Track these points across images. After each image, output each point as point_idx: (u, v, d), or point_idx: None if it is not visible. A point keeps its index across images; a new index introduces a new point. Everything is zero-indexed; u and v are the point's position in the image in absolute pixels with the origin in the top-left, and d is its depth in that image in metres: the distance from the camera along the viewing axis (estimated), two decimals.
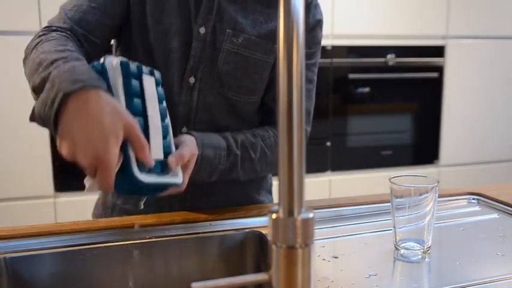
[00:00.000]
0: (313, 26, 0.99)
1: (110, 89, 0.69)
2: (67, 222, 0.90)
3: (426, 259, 0.80)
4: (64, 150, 0.65)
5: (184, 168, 0.82)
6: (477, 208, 1.04)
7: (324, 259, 0.80)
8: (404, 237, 0.81)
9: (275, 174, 0.96)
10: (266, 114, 1.03)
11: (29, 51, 0.81)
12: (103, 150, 0.63)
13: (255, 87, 0.98)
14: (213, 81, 0.95)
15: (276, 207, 0.43)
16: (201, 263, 0.88)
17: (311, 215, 0.42)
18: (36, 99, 0.72)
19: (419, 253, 0.81)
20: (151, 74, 0.79)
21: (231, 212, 0.96)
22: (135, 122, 0.67)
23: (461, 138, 2.63)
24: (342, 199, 1.04)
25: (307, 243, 0.42)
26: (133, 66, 0.74)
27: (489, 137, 2.69)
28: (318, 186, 2.42)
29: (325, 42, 2.29)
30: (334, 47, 2.33)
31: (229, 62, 0.94)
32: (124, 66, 0.72)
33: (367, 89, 2.44)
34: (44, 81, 0.70)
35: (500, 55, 2.62)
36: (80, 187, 2.33)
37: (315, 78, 1.03)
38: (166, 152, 0.77)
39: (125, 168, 0.66)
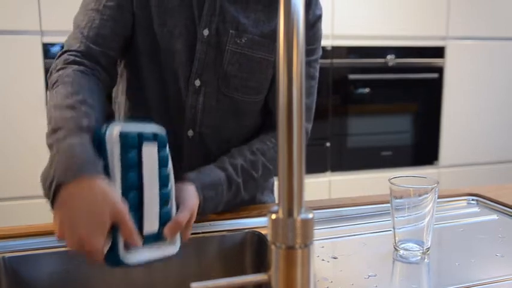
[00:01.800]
0: (314, 22, 1.00)
1: (106, 161, 0.69)
2: None
3: (425, 260, 0.80)
4: (56, 228, 0.68)
5: (185, 227, 0.77)
6: (476, 209, 1.04)
7: (323, 260, 0.80)
8: (404, 238, 0.81)
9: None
10: (267, 118, 1.03)
11: (50, 85, 0.84)
12: (87, 239, 0.65)
13: (260, 87, 0.98)
14: (218, 83, 0.95)
15: (275, 208, 0.43)
16: (201, 263, 0.88)
17: (310, 215, 0.42)
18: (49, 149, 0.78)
19: (419, 254, 0.81)
20: (155, 137, 0.74)
21: (231, 212, 0.96)
22: (124, 208, 0.67)
23: (461, 139, 2.63)
24: (342, 200, 1.04)
25: (306, 243, 0.42)
26: (133, 134, 0.71)
27: (489, 138, 2.69)
28: (318, 186, 2.42)
29: (325, 42, 2.29)
30: (334, 48, 2.33)
31: (233, 63, 0.94)
32: (123, 138, 0.70)
33: (367, 90, 2.44)
34: (50, 148, 0.77)
35: (500, 56, 2.62)
36: None
37: (317, 74, 1.03)
38: (166, 219, 0.75)
39: (112, 249, 0.67)
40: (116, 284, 0.84)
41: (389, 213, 0.83)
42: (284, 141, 0.41)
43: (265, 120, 1.03)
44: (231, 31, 0.93)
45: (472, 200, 1.08)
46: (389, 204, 0.82)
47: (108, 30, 0.89)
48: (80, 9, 0.93)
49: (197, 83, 0.94)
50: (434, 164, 2.61)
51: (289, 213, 0.42)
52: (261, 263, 0.87)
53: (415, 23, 2.45)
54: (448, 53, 2.52)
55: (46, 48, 2.00)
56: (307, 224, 0.42)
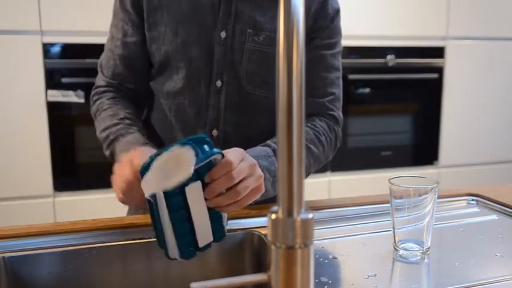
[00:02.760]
0: (333, 16, 1.01)
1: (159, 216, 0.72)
2: (66, 221, 0.90)
3: (425, 260, 0.80)
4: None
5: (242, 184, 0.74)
6: (476, 209, 1.04)
7: (323, 259, 0.80)
8: (404, 238, 0.81)
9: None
10: None
11: (93, 116, 1.02)
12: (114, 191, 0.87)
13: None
14: (239, 82, 0.97)
15: (275, 208, 0.43)
16: (201, 263, 0.88)
17: (310, 215, 0.42)
18: (110, 158, 0.95)
19: (419, 254, 0.81)
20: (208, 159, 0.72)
21: (231, 212, 0.96)
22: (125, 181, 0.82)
23: (461, 139, 2.63)
24: (342, 200, 1.04)
25: (306, 243, 0.42)
26: (175, 190, 0.70)
27: (489, 138, 2.69)
28: (318, 186, 2.42)
29: None
30: None
31: (253, 61, 0.96)
32: (167, 197, 0.70)
33: (367, 90, 2.44)
34: (112, 155, 0.94)
35: (500, 56, 2.62)
36: (79, 187, 2.33)
37: (341, 66, 1.06)
38: (220, 236, 0.78)
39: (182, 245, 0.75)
40: (116, 284, 0.84)
41: (389, 213, 0.83)
42: (284, 141, 0.41)
43: None
44: (248, 30, 0.95)
45: (472, 200, 1.08)
46: (389, 204, 0.82)
47: (121, 68, 1.02)
48: (105, 45, 1.06)
49: (218, 83, 0.96)
50: (434, 164, 2.61)
51: (289, 213, 0.42)
52: (261, 263, 0.87)
53: (415, 23, 2.45)
54: (448, 53, 2.52)
55: (46, 48, 2.00)
56: (307, 224, 0.42)
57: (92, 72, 2.06)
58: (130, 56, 1.01)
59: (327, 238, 0.88)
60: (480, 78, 2.61)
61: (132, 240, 0.85)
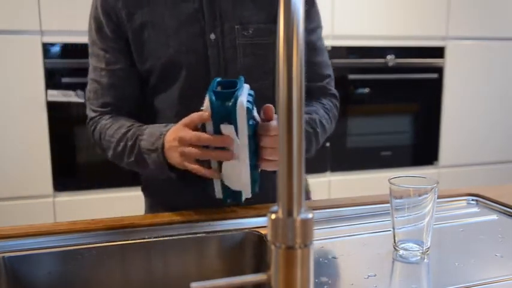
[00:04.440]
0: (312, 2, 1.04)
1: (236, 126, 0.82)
2: (66, 221, 0.90)
3: (425, 260, 0.80)
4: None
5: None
6: (476, 209, 1.04)
7: (323, 259, 0.80)
8: (404, 238, 0.81)
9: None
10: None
11: (98, 140, 1.03)
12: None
13: (273, 71, 1.00)
14: (236, 78, 0.97)
15: (275, 208, 0.43)
16: (200, 263, 0.88)
17: (310, 215, 0.42)
18: (137, 166, 0.97)
19: (419, 254, 0.81)
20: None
21: (231, 212, 0.96)
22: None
23: (461, 140, 2.63)
24: (341, 200, 1.04)
25: (306, 243, 0.42)
26: (250, 106, 0.83)
27: (488, 138, 2.69)
28: (318, 186, 2.42)
29: (325, 42, 2.28)
30: (334, 48, 2.33)
31: (248, 55, 0.98)
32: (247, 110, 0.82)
33: (366, 90, 2.44)
34: (137, 160, 0.95)
35: (500, 56, 2.62)
36: (78, 187, 2.33)
37: (324, 45, 1.11)
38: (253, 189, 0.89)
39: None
40: (116, 284, 0.84)
41: (389, 213, 0.83)
42: (284, 141, 0.41)
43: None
44: (236, 27, 0.96)
45: (472, 200, 1.08)
46: (389, 204, 0.82)
47: (110, 98, 1.03)
48: (88, 76, 1.06)
49: None
50: (434, 164, 2.61)
51: (289, 213, 0.42)
52: (260, 263, 0.87)
53: (415, 23, 2.45)
54: (448, 53, 2.52)
55: (46, 48, 2.00)
56: (307, 224, 0.42)
57: None
58: (118, 83, 1.01)
59: (326, 238, 0.88)
60: (480, 78, 2.61)
61: (132, 240, 0.85)
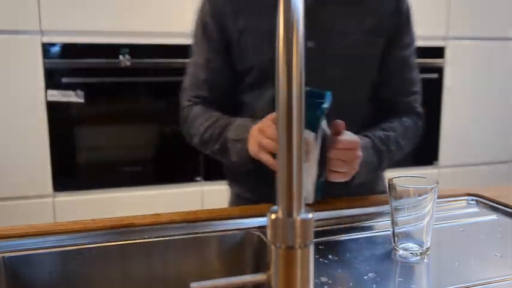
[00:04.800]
0: (407, 14, 1.06)
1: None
2: (65, 221, 0.90)
3: (425, 260, 0.80)
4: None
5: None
6: (476, 209, 1.04)
7: (322, 259, 0.80)
8: (403, 238, 0.81)
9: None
10: (384, 107, 1.10)
11: (187, 125, 1.09)
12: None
13: (368, 83, 1.05)
14: (328, 87, 0.99)
15: (275, 208, 0.43)
16: (200, 263, 0.88)
17: (310, 215, 0.42)
18: (220, 154, 1.04)
19: (418, 254, 0.81)
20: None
21: (230, 212, 0.96)
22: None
23: (461, 140, 2.63)
24: (341, 200, 1.04)
25: (306, 243, 0.42)
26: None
27: (488, 138, 2.68)
28: None
29: None
30: None
31: (343, 65, 1.00)
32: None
33: None
34: (221, 149, 1.01)
35: (500, 56, 2.62)
36: (78, 187, 2.33)
37: (416, 61, 1.15)
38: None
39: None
40: (116, 284, 0.84)
41: (389, 213, 0.83)
42: (284, 142, 0.41)
43: (382, 109, 1.10)
44: (334, 36, 0.98)
45: (472, 200, 1.08)
46: (388, 205, 0.82)
47: (205, 92, 1.09)
48: (187, 68, 1.12)
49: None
50: (434, 164, 2.61)
51: (289, 213, 0.42)
52: (260, 263, 0.87)
53: (415, 23, 2.45)
54: (448, 53, 2.52)
55: (46, 48, 2.00)
56: (306, 224, 0.42)
57: (92, 72, 2.07)
58: (213, 79, 1.07)
59: (326, 238, 0.88)
60: (480, 78, 2.61)
61: (132, 240, 0.85)
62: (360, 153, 0.91)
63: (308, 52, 0.97)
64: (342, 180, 0.91)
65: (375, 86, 1.08)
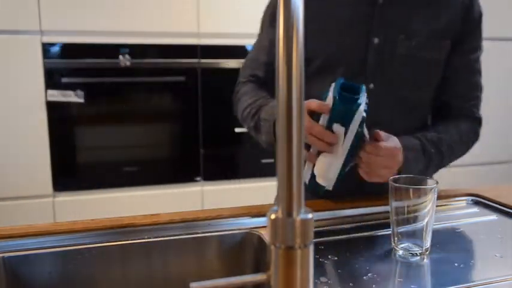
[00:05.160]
0: (478, 20, 1.06)
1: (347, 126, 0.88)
2: (65, 221, 0.90)
3: (425, 260, 0.80)
4: None
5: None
6: (476, 209, 1.04)
7: (322, 260, 0.80)
8: (403, 238, 0.81)
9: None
10: (442, 109, 1.11)
11: (236, 100, 1.15)
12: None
13: (429, 84, 1.06)
14: (390, 84, 1.02)
15: (275, 208, 0.43)
16: (200, 263, 0.88)
17: (310, 215, 0.42)
18: (254, 132, 1.08)
19: (418, 254, 0.81)
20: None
21: (230, 212, 0.96)
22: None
23: None
24: (341, 200, 1.04)
25: (306, 243, 0.42)
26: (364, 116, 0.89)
27: (488, 138, 2.67)
28: None
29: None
30: None
31: (403, 65, 1.01)
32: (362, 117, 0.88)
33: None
34: (255, 126, 1.05)
35: (499, 56, 2.62)
36: (78, 187, 2.33)
37: (481, 67, 1.13)
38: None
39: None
40: (116, 284, 0.84)
41: (389, 213, 0.83)
42: (284, 142, 0.41)
43: (443, 113, 1.11)
44: (400, 36, 1.00)
45: (471, 200, 1.08)
46: (389, 205, 0.82)
47: (260, 72, 1.13)
48: (250, 50, 1.18)
49: (371, 86, 1.02)
50: None
51: (289, 213, 0.42)
52: (260, 263, 0.87)
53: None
54: None
55: (46, 48, 2.00)
56: (306, 224, 0.42)
57: (92, 72, 2.07)
58: (271, 62, 1.10)
59: (326, 238, 0.88)
60: None
61: (132, 240, 0.85)
62: (400, 159, 0.93)
63: (372, 47, 0.99)
64: (381, 181, 0.93)
65: (437, 89, 1.09)
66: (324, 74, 1.04)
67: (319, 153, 0.91)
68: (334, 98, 0.86)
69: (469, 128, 1.11)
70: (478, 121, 1.13)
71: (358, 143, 0.90)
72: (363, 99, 0.88)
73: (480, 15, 1.07)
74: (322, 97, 0.91)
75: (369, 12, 1.00)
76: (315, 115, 0.90)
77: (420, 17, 1.01)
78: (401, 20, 1.01)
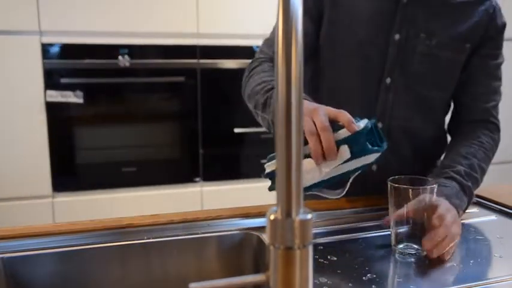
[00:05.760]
0: (501, 29, 1.07)
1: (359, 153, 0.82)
2: (65, 222, 0.89)
3: (424, 260, 0.80)
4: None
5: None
6: (475, 209, 1.04)
7: (321, 260, 0.80)
8: (403, 238, 0.81)
9: None
10: (462, 112, 1.13)
11: (250, 75, 1.08)
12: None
13: (447, 85, 1.07)
14: (407, 81, 1.03)
15: (274, 208, 0.42)
16: (199, 263, 0.88)
17: (309, 216, 0.42)
18: (256, 112, 1.01)
19: (418, 254, 0.81)
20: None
21: (230, 212, 0.96)
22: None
23: None
24: (340, 200, 1.04)
25: (305, 244, 0.42)
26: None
27: None
28: None
29: None
30: None
31: (422, 63, 1.02)
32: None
33: None
34: (264, 103, 0.98)
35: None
36: (78, 187, 2.33)
37: (501, 77, 1.13)
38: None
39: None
40: (115, 285, 0.84)
41: (388, 213, 0.83)
42: (283, 141, 0.41)
43: (462, 116, 1.13)
44: (421, 34, 1.01)
45: None
46: (388, 205, 0.82)
47: None
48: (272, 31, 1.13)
49: (388, 80, 1.02)
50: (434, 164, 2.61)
51: (288, 213, 0.42)
52: (259, 264, 0.87)
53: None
54: None
55: (45, 48, 2.00)
56: (305, 225, 0.42)
57: (91, 72, 2.07)
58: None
59: (326, 238, 0.88)
60: None
61: (131, 240, 0.85)
62: (458, 229, 0.85)
63: (394, 43, 1.00)
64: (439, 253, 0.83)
65: (456, 91, 1.10)
66: (339, 64, 1.05)
67: (309, 156, 0.85)
68: (366, 127, 0.81)
69: (490, 139, 1.12)
70: (497, 128, 1.15)
71: (347, 175, 0.85)
72: (381, 151, 0.83)
73: (504, 25, 1.08)
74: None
75: (392, 9, 1.01)
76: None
77: (442, 20, 1.02)
78: (422, 20, 1.01)
